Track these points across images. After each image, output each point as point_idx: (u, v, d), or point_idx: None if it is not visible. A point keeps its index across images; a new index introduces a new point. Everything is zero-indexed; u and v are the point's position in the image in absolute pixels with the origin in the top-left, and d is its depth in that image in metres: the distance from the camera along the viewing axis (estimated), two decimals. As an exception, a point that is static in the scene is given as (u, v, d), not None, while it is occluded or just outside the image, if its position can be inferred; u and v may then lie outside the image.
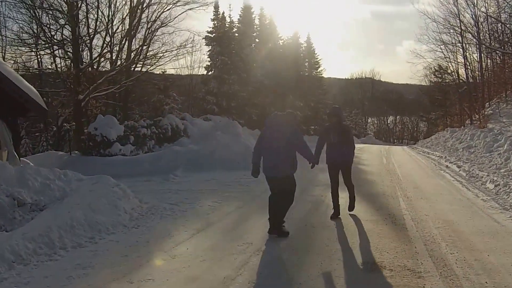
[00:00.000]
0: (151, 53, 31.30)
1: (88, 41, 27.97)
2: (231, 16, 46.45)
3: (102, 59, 29.51)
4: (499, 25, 37.97)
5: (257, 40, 47.90)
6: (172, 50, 30.73)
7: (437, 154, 25.82)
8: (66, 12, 25.43)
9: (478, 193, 12.90)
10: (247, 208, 11.51)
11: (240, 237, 8.65)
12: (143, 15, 30.29)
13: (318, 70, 57.03)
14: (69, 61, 27.84)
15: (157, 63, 31.61)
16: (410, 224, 9.46)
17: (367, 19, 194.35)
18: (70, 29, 25.90)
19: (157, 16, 30.50)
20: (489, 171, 16.07)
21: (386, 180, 15.91)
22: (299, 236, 8.74)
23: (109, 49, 28.63)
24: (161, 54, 30.61)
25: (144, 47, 30.79)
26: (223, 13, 45.55)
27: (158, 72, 33.24)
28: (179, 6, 31.07)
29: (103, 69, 30.23)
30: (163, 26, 31.21)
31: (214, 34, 43.12)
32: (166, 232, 9.20)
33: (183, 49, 31.35)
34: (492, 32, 39.32)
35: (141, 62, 31.33)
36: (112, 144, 21.64)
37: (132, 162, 19.69)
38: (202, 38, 42.07)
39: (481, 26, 38.58)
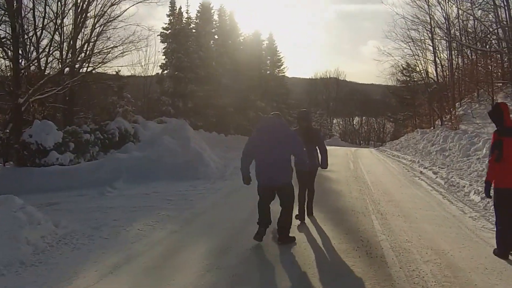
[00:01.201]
0: (96, 50, 28.51)
1: (35, 39, 25.17)
2: (188, 12, 43.60)
3: (51, 58, 26.67)
4: (470, 22, 36.81)
5: (216, 37, 45.37)
6: (117, 46, 27.89)
7: (408, 158, 23.90)
8: (4, 7, 22.63)
9: (464, 208, 10.95)
10: (183, 233, 9.01)
11: (165, 279, 6.42)
12: (90, 8, 27.55)
13: (281, 68, 54.42)
14: (9, 61, 24.97)
15: (104, 61, 28.76)
16: (390, 256, 7.22)
17: (332, 19, 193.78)
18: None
19: (105, 10, 27.72)
20: (471, 179, 14.27)
21: (355, 190, 13.68)
22: (240, 278, 6.48)
23: (56, 47, 25.85)
24: (107, 51, 27.80)
25: (91, 44, 28.04)
26: (180, 8, 42.70)
27: (111, 73, 30.60)
28: (128, -1, 28.43)
29: (50, 70, 27.39)
30: (111, 21, 28.48)
31: (170, 31, 40.86)
32: (72, 271, 6.76)
33: (130, 44, 28.52)
34: (464, 30, 38.01)
35: (87, 61, 28.56)
36: (48, 152, 18.97)
37: (69, 173, 17.04)
38: (158, 35, 40.10)
39: (452, 24, 37.35)
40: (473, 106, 33.81)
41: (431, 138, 28.25)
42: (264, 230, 8.00)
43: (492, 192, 7.33)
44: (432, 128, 37.27)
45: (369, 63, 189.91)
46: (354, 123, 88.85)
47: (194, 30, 42.87)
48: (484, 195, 8.11)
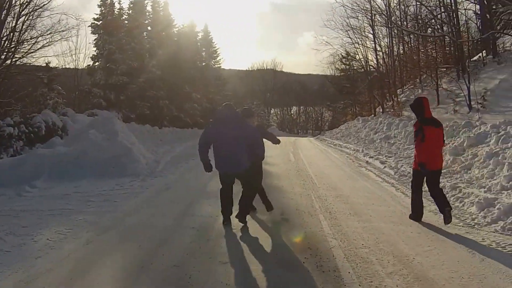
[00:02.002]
0: (22, 40, 26.42)
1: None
2: (120, 3, 41.96)
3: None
4: (411, 9, 36.58)
5: (149, 28, 43.50)
6: (44, 35, 25.91)
7: (351, 147, 22.92)
8: None
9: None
10: (98, 244, 7.28)
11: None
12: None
13: (217, 60, 53.37)
14: None
15: (30, 51, 26.72)
16: (346, 268, 5.87)
17: (267, 11, 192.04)
18: None
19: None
20: None
21: (297, 185, 12.33)
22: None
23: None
24: (33, 41, 25.78)
25: (16, 34, 25.91)
26: (112, -2, 40.69)
27: (41, 64, 28.55)
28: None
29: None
30: (37, 10, 26.37)
31: (101, 22, 38.81)
32: None
33: (56, 34, 26.54)
34: (405, 16, 37.64)
35: (11, 51, 26.42)
36: (-35, 148, 17.14)
37: (-13, 170, 15.30)
38: (89, 26, 38.29)
39: (393, 11, 37.04)
40: (416, 92, 33.18)
41: (373, 126, 27.55)
42: (230, 220, 8.23)
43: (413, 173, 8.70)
44: (372, 115, 36.67)
45: (306, 54, 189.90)
46: (292, 113, 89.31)
47: (126, 22, 40.98)
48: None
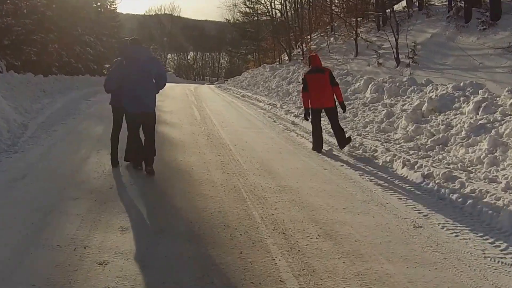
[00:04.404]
0: None
1: None
2: None
3: None
4: None
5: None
6: None
7: (264, 100, 19.35)
8: None
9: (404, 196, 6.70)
10: None
11: None
12: None
13: (112, 1, 47.86)
14: None
15: None
16: None
17: None
18: None
19: None
20: (375, 136, 10.81)
21: (213, 164, 8.33)
22: None
23: None
24: None
25: None
26: None
27: None
28: None
29: None
30: None
31: None
32: None
33: None
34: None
35: None
36: None
37: None
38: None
39: None
40: (327, 40, 30.00)
41: (285, 75, 24.33)
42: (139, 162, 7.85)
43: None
44: (277, 63, 33.82)
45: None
46: (189, 58, 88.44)
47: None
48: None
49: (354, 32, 24.69)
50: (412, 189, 7.03)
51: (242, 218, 5.62)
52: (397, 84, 13.88)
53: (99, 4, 45.32)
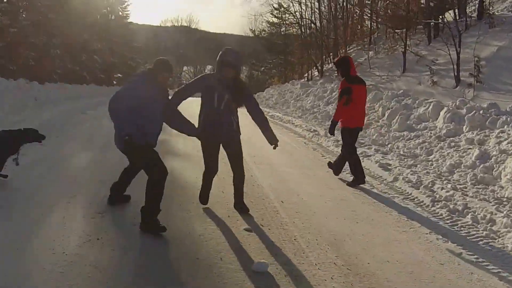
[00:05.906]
0: None
1: None
2: None
3: None
4: None
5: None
6: None
7: (301, 125, 16.55)
8: None
9: None
10: None
11: None
12: None
13: (124, 6, 46.03)
14: None
15: None
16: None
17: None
18: None
19: None
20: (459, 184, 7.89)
21: (249, 240, 5.43)
22: None
23: None
24: None
25: None
26: None
27: None
28: None
29: None
30: None
31: None
32: None
33: None
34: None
35: None
36: None
37: None
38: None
39: None
40: (367, 54, 26.62)
41: (321, 94, 21.49)
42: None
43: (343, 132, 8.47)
44: (306, 79, 31.15)
45: (223, 12, 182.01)
46: (206, 71, 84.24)
47: None
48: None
49: (400, 44, 21.93)
50: None
51: None
52: (481, 111, 10.84)
53: (109, 9, 43.23)
